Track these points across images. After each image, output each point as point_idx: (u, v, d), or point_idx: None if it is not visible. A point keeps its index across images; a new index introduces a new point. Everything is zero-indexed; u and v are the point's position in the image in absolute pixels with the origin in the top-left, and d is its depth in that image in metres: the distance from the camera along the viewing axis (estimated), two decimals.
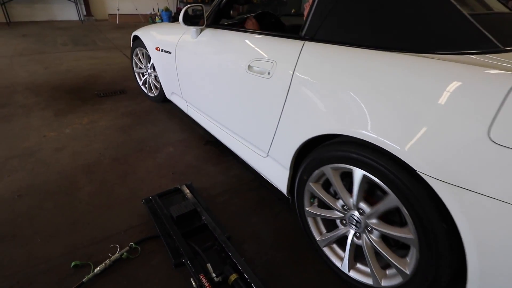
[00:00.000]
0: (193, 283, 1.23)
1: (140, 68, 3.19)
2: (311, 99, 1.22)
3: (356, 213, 1.16)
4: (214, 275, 1.26)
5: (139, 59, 3.14)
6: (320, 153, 1.21)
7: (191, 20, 1.90)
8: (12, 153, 2.15)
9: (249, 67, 1.53)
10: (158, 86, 2.99)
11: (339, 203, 1.23)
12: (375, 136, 0.98)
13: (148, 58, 3.00)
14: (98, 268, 1.31)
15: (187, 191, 1.74)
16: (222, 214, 1.68)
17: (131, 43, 3.22)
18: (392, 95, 0.96)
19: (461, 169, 0.81)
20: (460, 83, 0.84)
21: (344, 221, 1.25)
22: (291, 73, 1.30)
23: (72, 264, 1.33)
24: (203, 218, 1.55)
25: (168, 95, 2.81)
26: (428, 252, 0.96)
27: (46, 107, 2.93)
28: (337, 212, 1.25)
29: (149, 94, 3.22)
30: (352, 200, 1.16)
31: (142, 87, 3.33)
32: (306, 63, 1.25)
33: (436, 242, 0.94)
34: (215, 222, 1.53)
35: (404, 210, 0.98)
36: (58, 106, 2.98)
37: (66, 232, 1.53)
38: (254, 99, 1.55)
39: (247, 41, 1.62)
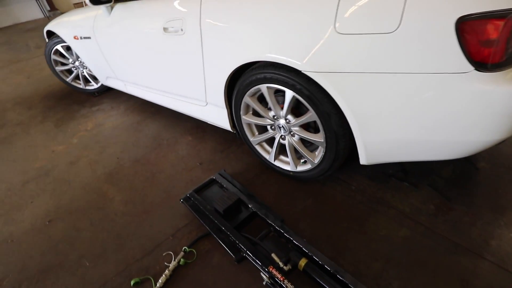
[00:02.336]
0: (264, 277, 1.17)
1: (65, 64, 2.94)
2: (223, 40, 1.42)
3: (282, 121, 1.47)
4: (281, 264, 1.19)
5: (61, 55, 2.90)
6: (245, 79, 1.44)
7: None
8: (26, 177, 2.02)
9: (164, 29, 1.67)
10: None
11: (271, 113, 1.51)
12: (272, 54, 1.24)
13: (72, 51, 2.82)
14: (160, 281, 1.24)
15: (223, 180, 1.64)
16: (266, 197, 1.59)
17: (46, 40, 2.95)
18: (277, 20, 1.20)
19: (325, 58, 1.11)
20: None
21: (273, 127, 1.56)
22: (199, 23, 1.48)
23: (132, 282, 1.26)
24: (250, 206, 1.45)
25: (104, 80, 2.70)
26: (330, 150, 1.36)
27: (44, 119, 2.75)
28: (268, 120, 1.54)
29: (87, 87, 3.02)
30: (272, 113, 1.48)
31: (74, 83, 3.07)
32: (208, 11, 1.44)
33: (337, 142, 1.31)
34: (264, 208, 1.44)
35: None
36: (56, 115, 2.78)
37: (113, 248, 1.45)
38: (178, 56, 1.70)
39: (156, 5, 1.73)
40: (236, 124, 1.71)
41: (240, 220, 1.41)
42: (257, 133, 1.69)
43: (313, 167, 1.49)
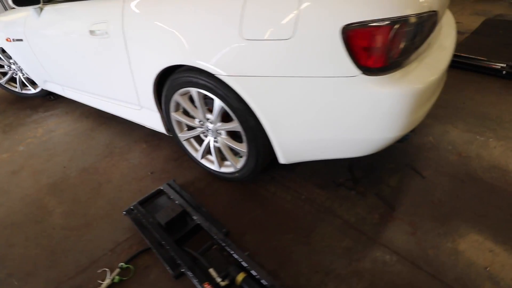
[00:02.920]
0: None
1: (1, 66, 2.81)
2: (144, 44, 1.43)
3: (208, 123, 1.51)
4: (219, 279, 1.15)
5: None
6: (173, 80, 1.46)
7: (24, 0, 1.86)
8: None
9: (91, 32, 1.64)
10: None
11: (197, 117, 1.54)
12: (186, 58, 1.29)
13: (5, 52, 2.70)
14: None
15: (171, 190, 1.57)
16: (215, 208, 1.54)
17: None
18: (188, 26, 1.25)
19: (234, 63, 1.16)
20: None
21: (204, 132, 1.59)
22: (121, 27, 1.48)
23: None
24: (194, 218, 1.40)
25: (42, 84, 2.60)
26: (252, 157, 1.42)
27: None
28: (197, 121, 1.57)
29: (24, 91, 2.88)
30: (201, 115, 1.50)
31: (9, 86, 2.92)
32: (129, 15, 1.44)
33: (257, 150, 1.38)
34: (209, 220, 1.39)
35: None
36: (4, 121, 2.61)
37: (46, 265, 1.35)
38: (106, 60, 1.69)
39: (82, 8, 1.70)
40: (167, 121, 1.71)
41: (183, 233, 1.36)
42: (186, 129, 1.71)
43: (235, 170, 1.57)
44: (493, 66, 2.47)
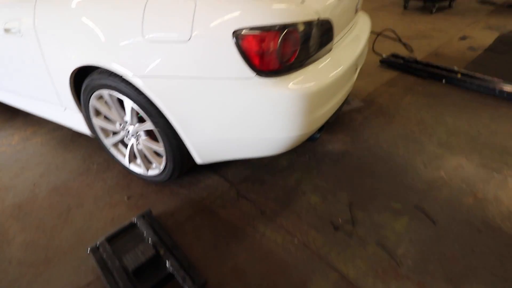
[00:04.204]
0: None
1: None
2: (56, 44, 1.42)
3: (128, 125, 1.53)
4: None
5: None
6: (88, 82, 1.46)
7: None
8: None
9: (6, 30, 1.59)
10: None
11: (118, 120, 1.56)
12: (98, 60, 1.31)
13: None
14: None
15: (144, 225, 1.38)
16: (194, 249, 1.34)
17: None
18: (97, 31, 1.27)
19: (139, 64, 1.19)
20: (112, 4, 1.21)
21: (126, 135, 1.60)
22: (33, 25, 1.45)
23: None
24: (168, 264, 1.20)
25: None
26: (170, 157, 1.45)
27: None
28: (117, 125, 1.59)
29: None
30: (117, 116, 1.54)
31: None
32: (41, 14, 1.42)
33: (174, 152, 1.42)
34: (185, 267, 1.20)
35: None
36: None
37: None
38: (23, 58, 1.64)
39: None
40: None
41: (154, 283, 1.16)
42: (111, 134, 1.71)
43: (160, 172, 1.57)
44: (509, 90, 2.27)
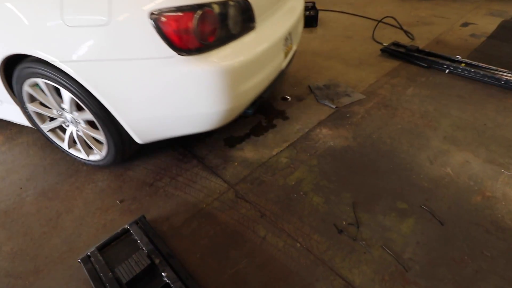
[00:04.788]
0: None
1: None
2: None
3: (66, 113, 1.54)
4: None
5: None
6: (19, 71, 1.44)
7: None
8: None
9: None
10: None
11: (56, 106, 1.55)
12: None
13: None
14: None
15: (138, 232, 1.30)
16: (191, 256, 1.28)
17: None
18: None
19: (63, 49, 1.21)
20: None
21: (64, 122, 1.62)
22: None
23: None
24: (163, 274, 1.14)
25: None
26: (110, 142, 1.49)
27: None
28: (54, 112, 1.60)
29: None
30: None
31: None
32: None
33: (113, 136, 1.46)
34: (182, 278, 1.13)
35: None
36: None
37: None
38: None
39: None
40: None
41: None
42: (48, 119, 1.70)
43: (102, 158, 1.62)
44: None
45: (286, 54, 1.71)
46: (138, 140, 1.49)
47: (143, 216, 1.39)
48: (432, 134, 1.84)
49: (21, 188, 1.67)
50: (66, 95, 1.41)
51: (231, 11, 1.22)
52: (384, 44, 3.03)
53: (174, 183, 1.62)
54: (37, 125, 1.71)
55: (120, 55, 1.16)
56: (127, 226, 1.34)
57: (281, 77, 1.77)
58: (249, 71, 1.33)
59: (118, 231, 1.33)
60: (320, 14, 3.97)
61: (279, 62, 1.61)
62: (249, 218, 1.41)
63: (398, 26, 3.38)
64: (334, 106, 2.13)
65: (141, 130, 1.43)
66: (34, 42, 1.25)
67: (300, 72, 2.64)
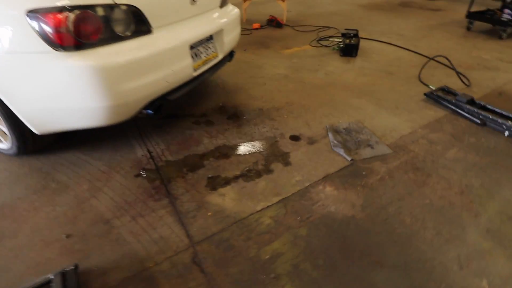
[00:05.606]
0: None
1: None
2: None
3: None
4: None
5: None
6: None
7: None
8: None
9: None
10: None
11: None
12: None
13: None
14: None
15: (61, 286, 1.07)
16: None
17: None
18: None
19: None
20: None
21: None
22: None
23: None
24: None
25: None
26: (13, 133, 1.60)
27: None
28: None
29: None
30: None
31: None
32: None
33: (14, 127, 1.57)
34: None
35: None
36: None
37: None
38: None
39: None
40: None
41: None
42: None
43: (8, 148, 1.71)
44: None
45: (204, 62, 1.88)
46: (35, 131, 1.54)
47: (75, 267, 1.15)
48: (471, 222, 1.39)
49: None
50: None
51: (116, 15, 1.35)
52: (431, 87, 2.57)
53: (132, 226, 1.38)
54: None
55: (3, 48, 1.27)
56: (51, 276, 1.11)
57: (196, 83, 1.86)
58: (133, 70, 1.41)
59: (39, 281, 1.10)
60: (364, 43, 3.59)
61: (183, 68, 1.69)
62: None
63: (452, 67, 2.88)
64: (349, 158, 1.75)
65: (35, 121, 1.50)
66: None
67: (321, 108, 2.30)
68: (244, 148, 1.87)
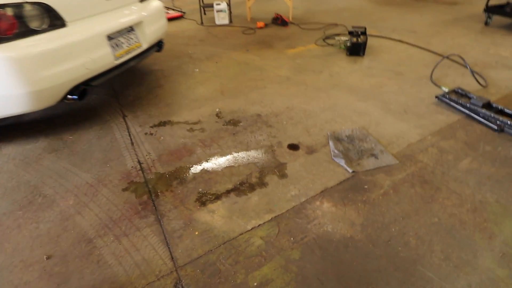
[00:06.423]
0: None
1: None
2: None
3: None
4: None
5: None
6: None
7: None
8: None
9: None
10: None
11: None
12: None
13: None
14: None
15: None
16: None
17: None
18: None
19: None
20: None
21: None
22: None
23: None
24: None
25: None
26: None
27: None
28: None
29: None
30: None
31: None
32: None
33: None
34: None
35: None
36: None
37: None
38: None
39: None
40: None
41: None
42: None
43: None
44: None
45: (127, 51, 2.10)
46: None
47: None
48: (484, 245, 1.24)
49: None
50: None
51: (27, 12, 1.56)
52: (444, 88, 2.39)
53: (115, 246, 1.30)
54: None
55: None
56: None
57: (121, 70, 2.09)
58: (49, 59, 1.63)
59: None
60: (373, 41, 3.42)
61: (102, 56, 1.91)
62: None
63: (467, 67, 2.68)
64: (350, 170, 1.63)
65: None
66: None
67: (323, 113, 2.17)
68: (238, 159, 1.77)
